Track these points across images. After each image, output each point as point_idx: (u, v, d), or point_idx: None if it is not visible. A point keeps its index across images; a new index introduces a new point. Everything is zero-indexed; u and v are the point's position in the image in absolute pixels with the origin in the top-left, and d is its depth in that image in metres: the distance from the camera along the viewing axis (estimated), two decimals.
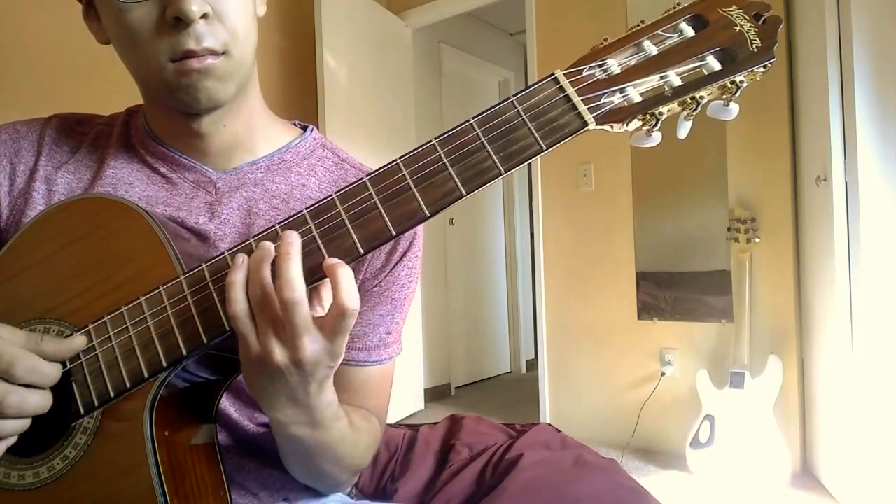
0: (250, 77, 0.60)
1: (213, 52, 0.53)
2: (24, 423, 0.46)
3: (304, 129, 0.69)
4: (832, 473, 1.86)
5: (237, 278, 0.44)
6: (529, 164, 2.95)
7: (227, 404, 0.60)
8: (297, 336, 0.43)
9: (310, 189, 0.64)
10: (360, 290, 0.63)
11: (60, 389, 0.48)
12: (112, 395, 0.47)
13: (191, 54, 0.51)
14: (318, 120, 2.45)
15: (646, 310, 2.36)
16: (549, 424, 0.88)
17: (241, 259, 0.45)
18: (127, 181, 0.61)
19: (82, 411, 0.48)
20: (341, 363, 0.55)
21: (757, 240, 2.08)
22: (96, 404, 0.48)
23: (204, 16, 0.51)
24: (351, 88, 2.58)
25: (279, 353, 0.44)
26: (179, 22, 0.50)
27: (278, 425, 0.50)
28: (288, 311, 0.43)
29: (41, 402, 0.46)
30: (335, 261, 0.44)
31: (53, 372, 0.47)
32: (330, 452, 0.55)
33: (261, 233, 0.47)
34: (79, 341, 0.48)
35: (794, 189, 2.09)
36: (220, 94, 0.55)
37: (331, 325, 0.44)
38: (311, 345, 0.44)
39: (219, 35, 0.53)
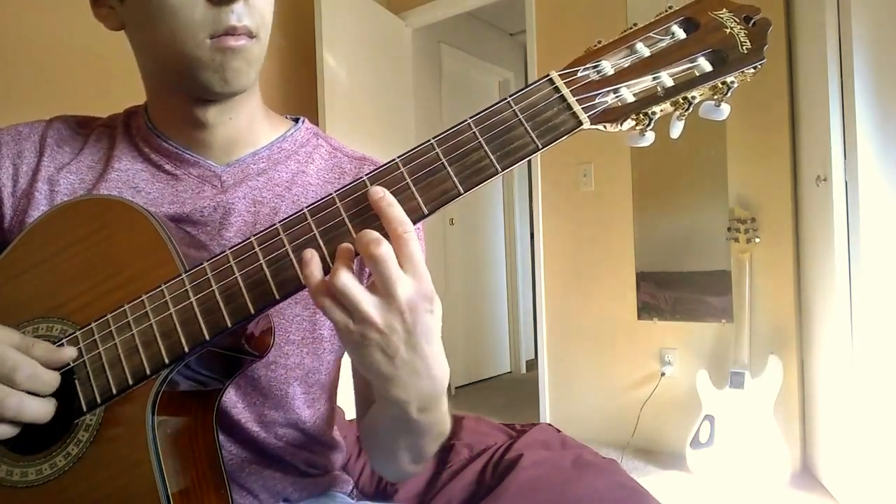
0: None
1: (249, 33, 0.55)
2: (16, 429, 0.47)
3: (296, 120, 0.70)
4: (832, 473, 1.86)
5: (310, 268, 0.44)
6: (529, 164, 2.94)
7: (231, 405, 0.61)
8: (391, 284, 0.43)
9: (309, 175, 0.65)
10: None
11: (63, 387, 0.48)
12: (114, 392, 0.48)
13: (231, 30, 0.53)
14: (318, 120, 2.46)
15: (646, 310, 2.36)
16: (549, 424, 0.89)
17: (311, 253, 0.44)
18: (132, 184, 0.61)
19: (85, 408, 0.49)
20: None
21: (757, 240, 2.08)
22: (99, 401, 0.48)
23: None
24: (351, 88, 2.59)
25: (375, 314, 0.43)
26: None
27: (403, 409, 0.49)
28: (380, 264, 0.42)
29: (40, 408, 0.47)
30: (378, 192, 0.44)
31: (52, 381, 0.47)
32: (438, 427, 0.54)
33: (260, 231, 0.48)
34: (69, 353, 0.48)
35: (794, 189, 2.09)
36: (244, 78, 0.56)
37: (403, 256, 0.43)
38: (404, 288, 0.43)
39: (255, 17, 0.55)
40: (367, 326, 0.44)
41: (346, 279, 0.43)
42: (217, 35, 0.53)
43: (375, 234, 0.43)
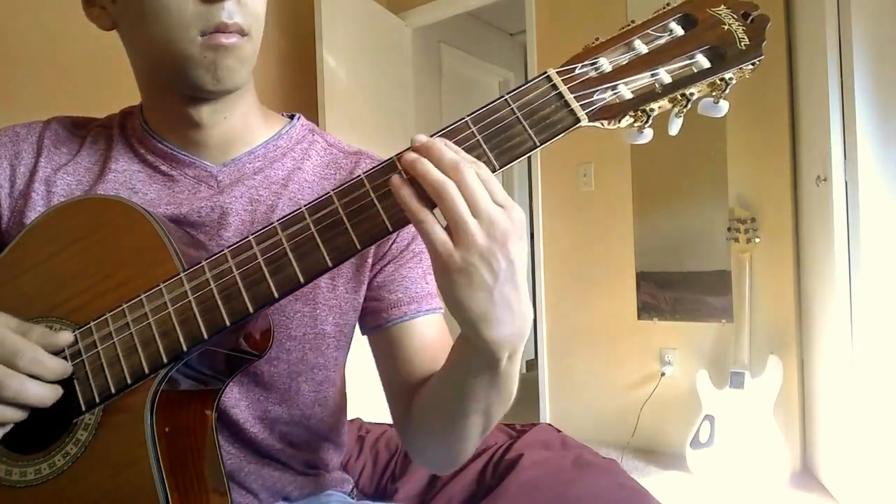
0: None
1: (241, 31, 0.55)
2: (21, 413, 0.46)
3: (291, 117, 0.70)
4: (832, 473, 1.86)
5: (405, 191, 0.43)
6: (529, 164, 2.93)
7: (233, 403, 0.61)
8: (484, 207, 0.42)
9: (305, 172, 0.65)
10: (393, 260, 0.64)
11: (62, 386, 0.48)
12: (113, 391, 0.48)
13: (222, 27, 0.53)
14: (318, 120, 2.46)
15: (646, 310, 2.36)
16: (549, 424, 0.89)
17: (398, 181, 0.44)
18: (129, 185, 0.61)
19: (84, 407, 0.49)
20: (402, 324, 0.62)
21: (757, 240, 2.08)
22: (97, 400, 0.48)
23: None
24: (351, 88, 2.59)
25: (478, 235, 0.42)
26: None
27: (494, 355, 0.46)
28: (482, 171, 0.42)
29: (42, 392, 0.46)
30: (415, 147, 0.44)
31: (56, 365, 0.47)
32: (515, 381, 0.53)
33: (258, 230, 0.48)
34: (64, 337, 0.48)
35: (794, 189, 2.09)
36: (237, 77, 0.56)
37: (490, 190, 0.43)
38: (497, 212, 0.42)
39: (246, 16, 0.55)
40: (472, 251, 0.42)
41: (458, 195, 0.42)
42: (208, 32, 0.53)
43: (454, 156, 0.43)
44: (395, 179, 0.44)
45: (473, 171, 0.42)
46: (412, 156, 0.44)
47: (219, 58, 0.54)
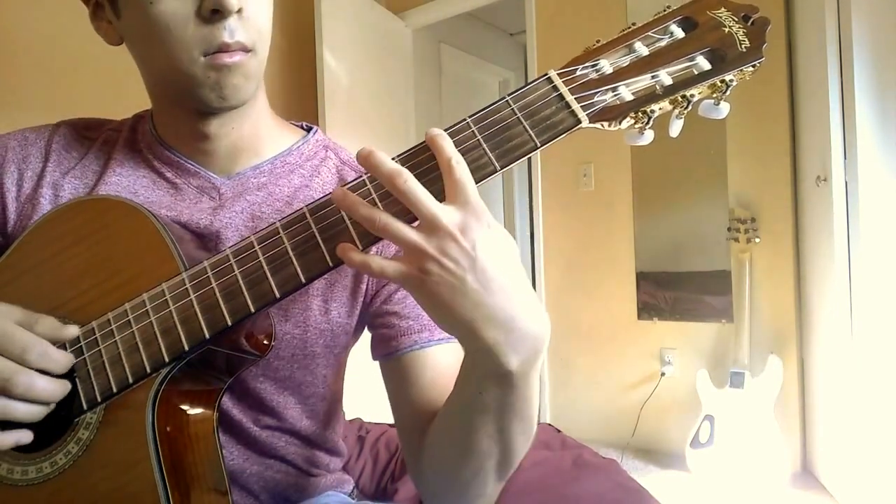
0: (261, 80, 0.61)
1: (244, 48, 0.54)
2: (36, 410, 0.46)
3: (308, 129, 0.69)
4: (832, 473, 1.86)
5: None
6: (529, 164, 2.93)
7: (231, 406, 0.61)
8: (425, 209, 0.42)
9: (313, 190, 0.64)
10: None
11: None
12: (115, 390, 0.48)
13: (224, 47, 0.52)
14: (319, 120, 2.46)
15: (646, 310, 2.36)
16: (549, 424, 0.89)
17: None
18: (132, 189, 0.61)
19: (85, 406, 0.49)
20: (413, 353, 0.59)
21: (757, 240, 2.08)
22: (99, 399, 0.48)
23: (238, 11, 0.52)
24: (351, 88, 2.59)
25: (424, 241, 0.42)
26: (215, 15, 0.51)
27: (497, 359, 0.43)
28: (406, 187, 0.42)
29: (50, 387, 0.46)
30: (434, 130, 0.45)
31: (63, 359, 0.47)
32: (528, 408, 0.48)
33: (260, 230, 0.48)
34: (72, 331, 0.48)
35: (794, 189, 2.09)
36: (243, 93, 0.56)
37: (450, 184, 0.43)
38: (446, 212, 0.42)
39: (249, 31, 0.54)
40: (423, 258, 0.41)
41: (389, 219, 0.43)
42: (210, 52, 0.52)
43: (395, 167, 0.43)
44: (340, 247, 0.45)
45: (409, 184, 0.42)
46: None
47: (222, 77, 0.53)
